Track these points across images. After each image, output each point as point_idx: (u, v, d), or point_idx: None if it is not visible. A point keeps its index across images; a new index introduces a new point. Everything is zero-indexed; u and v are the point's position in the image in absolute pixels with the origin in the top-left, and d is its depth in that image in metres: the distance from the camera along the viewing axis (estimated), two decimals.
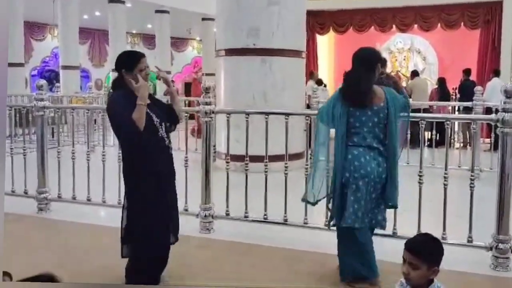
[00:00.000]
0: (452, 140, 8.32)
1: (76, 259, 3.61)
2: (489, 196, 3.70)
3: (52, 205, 4.90)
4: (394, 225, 3.68)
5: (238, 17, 7.09)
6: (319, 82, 11.24)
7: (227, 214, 4.28)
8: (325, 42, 14.74)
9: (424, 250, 2.04)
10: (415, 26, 13.19)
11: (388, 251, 3.28)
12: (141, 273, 3.00)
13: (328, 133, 3.27)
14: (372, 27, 13.38)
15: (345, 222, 3.05)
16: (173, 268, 3.21)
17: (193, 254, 3.77)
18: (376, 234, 3.54)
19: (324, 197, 3.31)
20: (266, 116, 4.17)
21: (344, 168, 3.07)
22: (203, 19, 18.04)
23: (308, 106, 8.68)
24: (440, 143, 7.59)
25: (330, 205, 3.30)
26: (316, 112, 3.65)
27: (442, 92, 10.36)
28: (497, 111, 3.55)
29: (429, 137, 8.44)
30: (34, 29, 19.44)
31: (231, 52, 7.26)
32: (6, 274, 1.34)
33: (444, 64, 14.34)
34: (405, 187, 3.68)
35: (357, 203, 3.03)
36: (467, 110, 7.58)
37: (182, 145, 4.82)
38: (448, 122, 3.82)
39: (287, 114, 4.18)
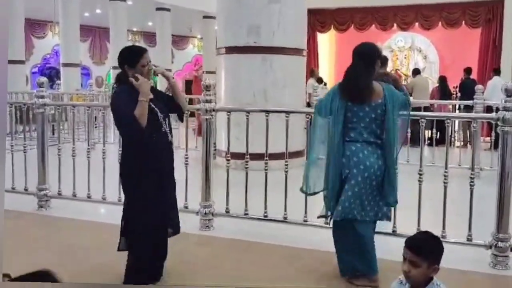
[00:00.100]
0: (452, 139, 8.32)
1: (76, 256, 3.62)
2: (489, 194, 3.70)
3: (52, 202, 4.91)
4: (394, 223, 3.68)
5: (239, 15, 7.09)
6: (319, 80, 11.25)
7: (227, 212, 4.28)
8: (326, 41, 14.73)
9: (425, 248, 2.05)
10: (416, 24, 13.19)
11: (388, 249, 3.29)
12: (141, 271, 3.00)
13: (326, 129, 3.26)
14: (373, 25, 13.37)
15: (339, 216, 3.04)
16: (173, 266, 3.22)
17: (193, 251, 3.78)
18: (376, 232, 3.55)
19: (321, 191, 3.30)
20: (267, 114, 4.17)
21: (343, 164, 3.07)
22: (204, 17, 18.02)
23: (308, 104, 8.69)
24: (440, 141, 7.59)
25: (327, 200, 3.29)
26: None
27: (443, 91, 10.35)
28: (497, 109, 3.56)
29: (430, 135, 8.44)
30: (35, 26, 19.44)
31: (231, 50, 7.25)
32: (6, 276, 1.34)
33: (445, 63, 14.34)
34: (405, 186, 3.69)
35: (355, 197, 3.03)
36: (468, 108, 7.58)
37: (182, 143, 4.82)
38: (448, 121, 3.82)
39: (288, 112, 4.18)
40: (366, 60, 3.12)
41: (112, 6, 15.72)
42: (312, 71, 11.51)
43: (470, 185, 3.62)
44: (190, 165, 4.39)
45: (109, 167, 4.71)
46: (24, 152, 5.14)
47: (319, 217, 3.43)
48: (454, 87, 11.02)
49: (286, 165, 4.10)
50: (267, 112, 4.22)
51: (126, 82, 2.95)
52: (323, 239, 3.75)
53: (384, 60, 7.35)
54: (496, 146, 4.54)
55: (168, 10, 17.20)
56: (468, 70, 10.23)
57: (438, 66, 14.54)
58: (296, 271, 3.41)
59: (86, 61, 21.00)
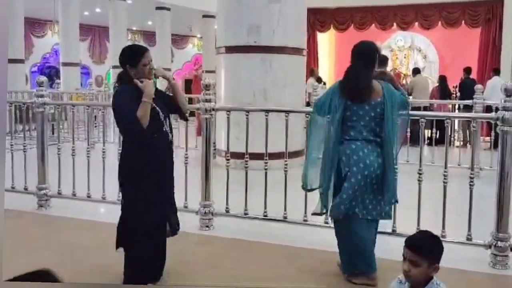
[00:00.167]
0: (452, 139, 8.32)
1: (76, 255, 3.62)
2: (488, 194, 3.71)
3: (52, 201, 4.91)
4: (394, 222, 3.68)
5: (238, 14, 7.08)
6: (319, 80, 11.25)
7: (227, 211, 4.28)
8: (326, 40, 14.73)
9: (425, 247, 2.05)
10: (416, 24, 13.20)
11: (387, 248, 3.29)
12: (141, 271, 3.00)
13: (323, 128, 3.27)
14: (373, 25, 13.38)
15: (341, 213, 3.05)
16: (173, 265, 3.22)
17: (193, 251, 3.78)
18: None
19: (317, 188, 3.31)
20: (266, 114, 4.18)
21: (343, 162, 3.07)
22: (204, 16, 18.02)
23: (308, 104, 8.68)
24: (440, 141, 7.59)
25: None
26: None
27: (443, 91, 10.35)
28: (497, 109, 3.56)
29: (429, 135, 8.44)
30: (34, 25, 19.43)
31: (231, 49, 7.25)
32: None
33: (444, 62, 14.35)
34: (405, 185, 3.70)
35: (356, 195, 3.04)
36: (467, 108, 7.58)
37: (182, 142, 4.82)
38: (448, 120, 3.82)
39: (287, 112, 4.18)
40: (366, 59, 3.13)
41: (112, 5, 15.72)
42: (312, 71, 11.52)
43: (470, 184, 3.62)
44: (190, 165, 4.39)
45: (109, 166, 4.71)
46: (24, 152, 5.14)
47: (313, 214, 3.44)
48: (453, 87, 11.03)
49: (286, 164, 4.11)
50: (267, 111, 4.22)
51: (127, 82, 2.95)
52: (323, 239, 3.76)
53: (384, 59, 7.39)
54: (495, 146, 4.55)
55: (168, 9, 17.20)
56: (467, 70, 10.23)
57: (438, 66, 14.55)
58: (296, 270, 3.41)
59: (86, 60, 21.00)
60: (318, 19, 13.65)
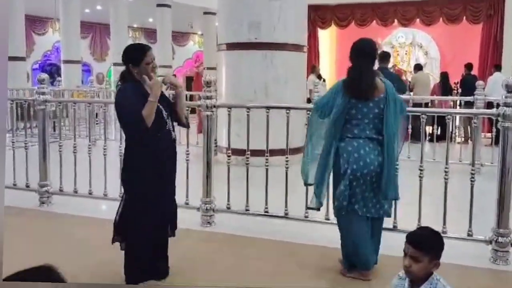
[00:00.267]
0: (453, 135, 8.32)
1: (77, 252, 3.63)
2: (489, 190, 3.71)
3: (53, 198, 4.92)
4: (395, 218, 3.69)
5: (239, 11, 7.08)
6: (319, 77, 11.24)
7: (228, 208, 4.29)
8: (327, 37, 14.71)
9: (426, 243, 2.05)
10: (417, 20, 13.16)
11: (388, 244, 3.30)
12: (140, 272, 3.01)
13: (323, 125, 3.27)
14: (374, 21, 13.35)
15: (344, 208, 3.09)
16: (174, 262, 3.23)
17: (194, 247, 3.79)
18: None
19: (313, 183, 3.32)
20: (267, 110, 4.18)
21: (343, 159, 3.08)
22: (205, 13, 18.01)
23: (309, 100, 8.68)
24: (441, 137, 7.59)
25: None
26: None
27: (444, 87, 10.33)
28: (498, 105, 3.55)
29: (430, 131, 8.44)
30: (35, 23, 19.43)
31: (232, 46, 7.25)
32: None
33: (446, 59, 14.32)
34: (406, 181, 3.70)
35: (355, 192, 3.07)
36: (469, 104, 7.57)
37: (183, 139, 4.82)
38: (449, 117, 3.82)
39: (288, 108, 4.18)
40: (367, 57, 3.15)
41: (113, 3, 15.71)
42: (313, 67, 11.51)
43: (471, 180, 3.63)
44: (191, 161, 4.40)
45: (110, 163, 4.72)
46: (25, 149, 5.15)
47: (308, 208, 3.47)
48: (455, 83, 11.01)
49: (287, 161, 4.11)
50: (268, 108, 4.22)
51: (130, 80, 2.95)
52: (324, 235, 3.77)
53: (387, 56, 7.38)
54: (496, 142, 4.55)
55: (169, 6, 17.18)
56: (469, 66, 10.22)
57: (439, 62, 14.52)
58: (297, 266, 3.42)
59: (87, 57, 21.00)
60: (319, 16, 13.62)
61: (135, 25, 22.12)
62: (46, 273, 1.27)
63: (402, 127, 3.37)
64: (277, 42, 7.01)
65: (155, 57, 3.09)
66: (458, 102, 8.73)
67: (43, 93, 4.84)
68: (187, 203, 4.31)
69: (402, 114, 3.22)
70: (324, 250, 3.62)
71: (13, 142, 5.49)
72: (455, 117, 7.72)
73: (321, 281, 3.21)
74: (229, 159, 4.35)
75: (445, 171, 3.68)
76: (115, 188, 4.49)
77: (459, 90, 10.34)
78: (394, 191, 3.15)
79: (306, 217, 4.02)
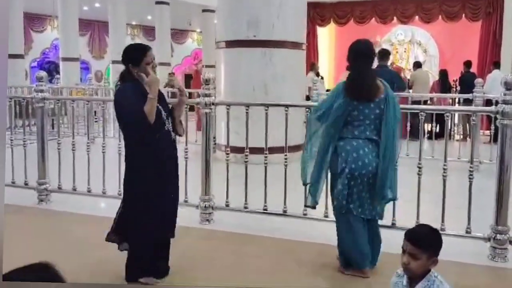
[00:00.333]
0: (452, 132, 8.32)
1: (76, 250, 3.63)
2: (488, 187, 3.72)
3: (52, 196, 4.92)
4: (393, 216, 3.69)
5: (238, 8, 7.07)
6: (317, 75, 11.23)
7: (227, 206, 4.29)
8: (326, 34, 14.70)
9: (424, 241, 2.06)
10: (416, 18, 13.17)
11: (387, 241, 3.30)
12: (141, 272, 3.01)
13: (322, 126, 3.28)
14: (373, 18, 13.35)
15: (344, 208, 3.11)
16: (174, 260, 3.22)
17: (193, 245, 3.79)
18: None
19: (311, 182, 3.32)
20: (266, 108, 4.18)
21: (341, 158, 3.09)
22: (204, 10, 17.95)
23: (308, 98, 8.67)
24: (440, 135, 7.60)
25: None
26: (316, 104, 3.65)
27: (443, 85, 10.34)
28: (497, 103, 3.56)
29: (429, 129, 8.44)
30: (33, 20, 19.37)
31: (231, 44, 7.24)
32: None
33: (445, 56, 14.31)
34: (404, 179, 3.70)
35: (351, 192, 3.08)
36: (467, 102, 7.57)
37: (181, 137, 4.82)
38: (448, 114, 3.82)
39: (287, 106, 4.18)
40: (366, 57, 3.17)
41: (111, 0, 15.66)
42: (312, 65, 11.50)
43: (469, 178, 3.63)
44: (190, 159, 4.40)
45: (108, 161, 4.72)
46: (24, 147, 5.14)
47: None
48: (454, 81, 11.02)
49: (286, 158, 4.11)
50: (267, 106, 4.22)
51: (129, 80, 2.94)
52: (322, 232, 3.78)
53: (386, 53, 7.38)
54: (495, 139, 4.55)
55: (167, 3, 17.13)
56: (468, 64, 10.22)
57: (438, 60, 14.51)
58: (295, 263, 3.42)
59: (85, 55, 20.94)
60: (318, 13, 13.61)
61: (133, 23, 22.06)
62: (43, 270, 1.26)
63: (398, 127, 3.38)
64: (276, 39, 7.01)
65: (155, 55, 3.09)
66: (457, 100, 8.73)
67: (42, 91, 4.83)
68: (186, 201, 4.31)
69: (397, 120, 3.21)
70: (323, 247, 3.62)
71: (11, 140, 5.49)
72: (454, 114, 7.72)
73: (319, 278, 3.22)
74: (228, 157, 4.35)
75: (444, 169, 3.68)
76: (114, 186, 4.49)
77: (458, 88, 10.34)
78: (392, 191, 3.16)
79: (305, 214, 4.03)
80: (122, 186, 3.23)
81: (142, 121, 2.79)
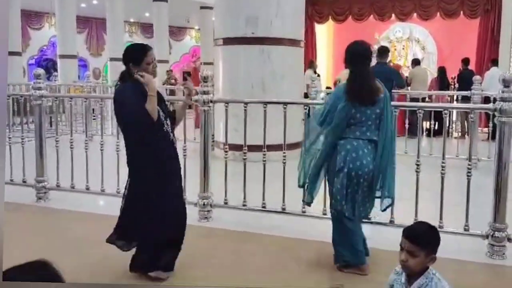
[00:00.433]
0: (450, 130, 8.34)
1: (74, 247, 3.63)
2: (486, 185, 3.72)
3: (50, 194, 4.92)
4: (392, 213, 3.70)
5: (236, 6, 7.06)
6: (315, 72, 11.22)
7: (226, 203, 4.30)
8: (324, 31, 14.68)
9: (423, 238, 2.06)
10: (414, 15, 13.15)
11: (385, 239, 3.31)
12: (154, 265, 3.03)
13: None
14: (371, 16, 13.33)
15: (343, 209, 3.13)
16: None
17: (192, 242, 3.77)
18: (373, 223, 3.59)
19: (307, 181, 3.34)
20: (265, 105, 4.18)
21: (340, 156, 3.10)
22: (202, 7, 17.95)
23: (306, 95, 8.67)
24: (438, 132, 7.61)
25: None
26: (314, 101, 3.65)
27: (442, 82, 10.34)
28: (495, 100, 3.56)
29: (427, 126, 8.45)
30: (31, 17, 19.33)
31: (229, 41, 7.23)
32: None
33: (443, 54, 14.31)
34: (403, 176, 3.71)
35: (347, 192, 3.10)
36: (466, 99, 7.59)
37: (180, 134, 4.81)
38: (446, 111, 3.82)
39: (286, 103, 4.18)
40: (363, 59, 3.18)
41: None
42: (311, 62, 11.49)
43: (467, 175, 3.64)
44: (188, 157, 4.39)
45: (107, 158, 4.71)
46: (22, 144, 5.13)
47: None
48: (452, 78, 11.02)
49: (284, 156, 4.11)
50: (265, 103, 4.22)
51: (129, 80, 2.94)
52: (320, 230, 3.78)
53: (386, 51, 7.37)
54: (493, 137, 4.56)
55: (166, 1, 17.12)
56: (466, 61, 10.23)
57: (436, 57, 14.51)
58: (294, 261, 3.43)
59: (83, 52, 20.91)
60: (316, 10, 13.59)
61: (131, 20, 22.03)
62: (41, 268, 1.25)
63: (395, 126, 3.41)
64: (274, 37, 7.00)
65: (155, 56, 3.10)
66: (455, 97, 8.74)
67: (40, 88, 4.82)
68: (184, 198, 4.29)
69: (393, 119, 3.24)
70: (322, 245, 3.62)
71: (9, 138, 5.48)
72: (452, 112, 7.73)
73: (318, 276, 3.22)
74: (226, 154, 4.35)
75: (442, 166, 3.68)
76: (112, 184, 4.49)
77: (456, 85, 10.34)
78: (389, 191, 3.17)
79: (304, 212, 4.03)
80: (120, 184, 3.23)
81: (144, 120, 2.80)
